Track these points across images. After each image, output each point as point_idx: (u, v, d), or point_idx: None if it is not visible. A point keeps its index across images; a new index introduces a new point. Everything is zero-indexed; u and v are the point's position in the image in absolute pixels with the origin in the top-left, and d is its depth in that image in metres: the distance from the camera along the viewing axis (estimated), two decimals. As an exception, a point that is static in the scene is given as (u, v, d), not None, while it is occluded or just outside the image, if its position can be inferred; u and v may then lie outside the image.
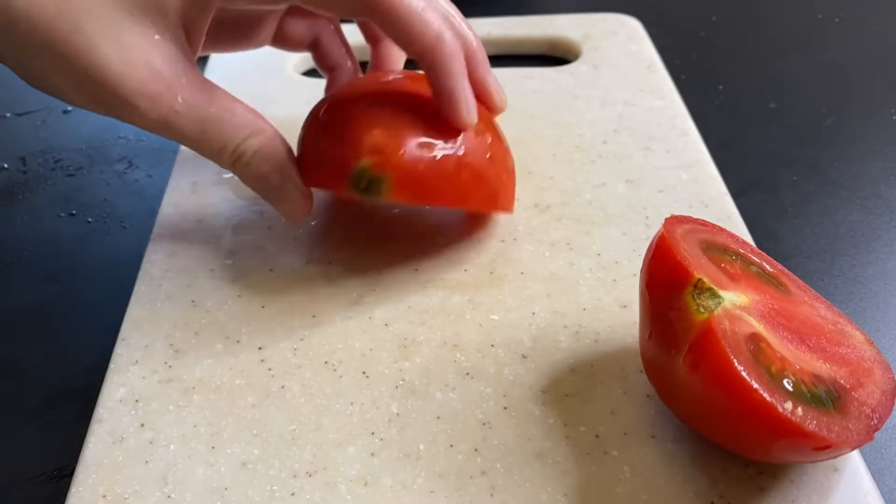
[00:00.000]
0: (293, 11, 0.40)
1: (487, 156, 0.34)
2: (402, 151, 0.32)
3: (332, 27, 0.41)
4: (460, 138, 0.33)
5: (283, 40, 0.40)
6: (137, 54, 0.30)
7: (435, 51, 0.32)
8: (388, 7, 0.31)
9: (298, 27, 0.40)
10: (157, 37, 0.31)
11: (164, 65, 0.30)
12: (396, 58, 0.41)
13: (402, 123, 0.33)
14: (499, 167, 0.35)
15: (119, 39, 0.30)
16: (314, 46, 0.41)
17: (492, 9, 0.56)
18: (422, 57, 0.32)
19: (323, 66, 0.41)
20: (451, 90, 0.33)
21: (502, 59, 0.53)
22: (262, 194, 0.34)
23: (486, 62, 0.36)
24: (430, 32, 0.31)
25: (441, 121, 0.33)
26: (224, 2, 0.32)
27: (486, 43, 0.53)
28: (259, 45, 0.40)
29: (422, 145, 0.33)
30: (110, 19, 0.30)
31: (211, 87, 0.32)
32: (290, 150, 0.34)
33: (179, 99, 0.31)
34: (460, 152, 0.33)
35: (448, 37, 0.32)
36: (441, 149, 0.33)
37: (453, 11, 0.35)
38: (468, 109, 0.33)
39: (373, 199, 0.34)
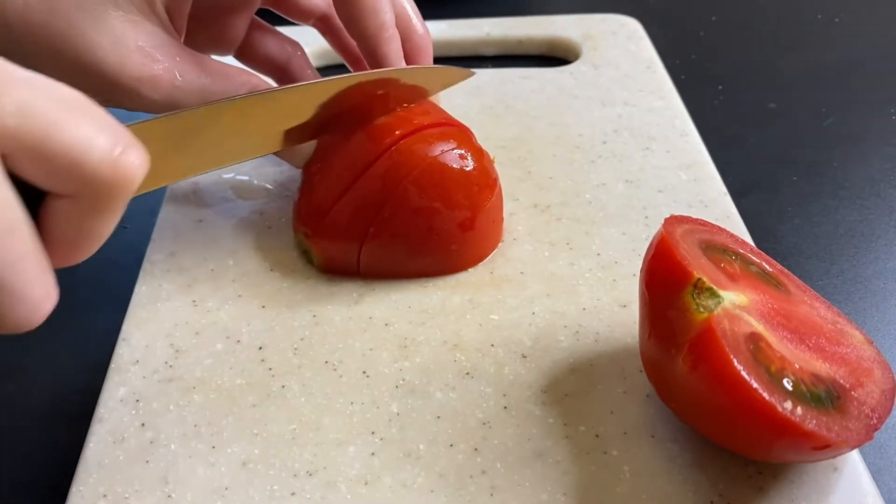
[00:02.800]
0: (262, 28, 0.40)
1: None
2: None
3: (299, 52, 0.41)
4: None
5: (250, 56, 0.40)
6: (129, 41, 0.31)
7: (378, 38, 0.35)
8: None
9: (269, 44, 0.40)
10: (144, 22, 0.32)
11: (157, 47, 0.32)
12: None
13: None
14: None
15: (110, 29, 0.31)
16: (284, 72, 0.40)
17: (492, 9, 0.56)
18: (362, 40, 0.35)
19: (267, 63, 0.41)
20: (386, 55, 0.35)
21: (502, 59, 0.53)
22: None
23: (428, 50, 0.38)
24: (379, 18, 0.34)
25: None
26: None
27: (486, 43, 0.53)
28: (229, 48, 0.40)
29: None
30: (99, 10, 0.31)
31: (203, 58, 0.33)
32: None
33: (178, 76, 0.32)
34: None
35: (392, 29, 0.35)
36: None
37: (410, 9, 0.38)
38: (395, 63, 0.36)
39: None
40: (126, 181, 0.21)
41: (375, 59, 0.35)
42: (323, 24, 0.41)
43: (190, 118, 0.31)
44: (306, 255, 0.36)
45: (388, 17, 0.35)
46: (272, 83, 0.39)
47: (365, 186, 0.34)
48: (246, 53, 0.40)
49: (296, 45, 0.41)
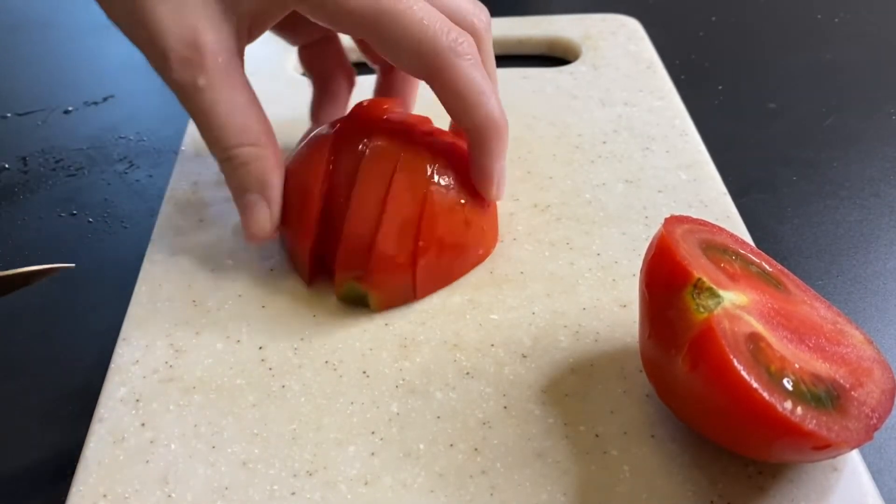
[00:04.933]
0: (333, 41, 0.40)
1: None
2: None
3: (345, 83, 0.40)
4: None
5: (304, 55, 0.40)
6: (190, 17, 0.31)
7: (484, 129, 0.32)
8: (450, 77, 0.31)
9: (326, 58, 0.40)
10: (218, 13, 0.31)
11: (210, 38, 0.31)
12: (409, 91, 0.40)
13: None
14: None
15: (184, 1, 0.31)
16: (323, 87, 0.40)
17: (492, 9, 0.55)
18: (469, 132, 0.33)
19: (314, 71, 0.41)
20: (489, 169, 0.33)
21: (502, 59, 0.53)
22: (234, 200, 0.34)
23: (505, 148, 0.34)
24: (483, 110, 0.32)
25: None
26: (299, 6, 0.32)
27: (486, 43, 0.53)
28: (291, 41, 0.40)
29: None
30: None
31: (241, 81, 0.33)
32: (279, 177, 0.34)
33: (204, 76, 0.31)
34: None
35: (498, 116, 0.32)
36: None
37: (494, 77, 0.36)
38: (498, 188, 0.34)
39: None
40: None
41: (480, 153, 0.33)
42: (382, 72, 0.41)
43: None
44: (358, 302, 0.34)
45: (493, 107, 0.32)
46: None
47: (396, 202, 0.32)
48: (304, 54, 0.40)
49: (349, 74, 0.40)
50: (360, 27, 0.31)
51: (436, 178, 0.33)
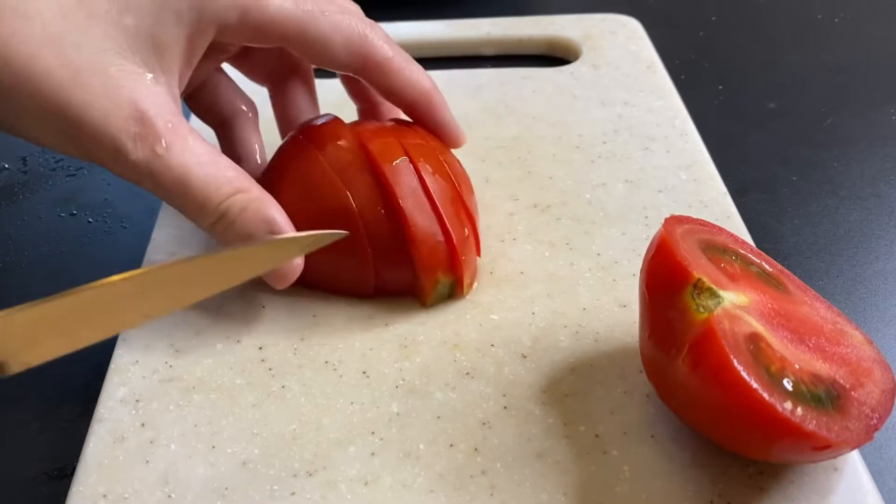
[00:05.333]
0: (220, 76, 0.38)
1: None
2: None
3: (250, 115, 0.38)
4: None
5: (197, 99, 0.38)
6: (124, 92, 0.29)
7: (427, 93, 0.35)
8: (383, 59, 0.34)
9: (219, 94, 0.37)
10: (149, 76, 0.30)
11: (151, 106, 0.29)
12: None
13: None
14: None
15: (107, 75, 0.29)
16: (225, 127, 0.38)
17: (492, 9, 0.56)
18: (415, 103, 0.35)
19: (212, 113, 0.38)
20: (449, 121, 0.36)
21: (502, 59, 0.53)
22: None
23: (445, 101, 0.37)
24: (417, 76, 0.35)
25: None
26: (223, 29, 0.31)
27: (486, 43, 0.53)
28: (183, 89, 0.36)
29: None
30: (98, 55, 0.29)
31: (197, 137, 0.30)
32: (279, 209, 0.31)
33: (163, 143, 0.29)
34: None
35: (428, 78, 0.36)
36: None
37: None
38: (462, 132, 0.37)
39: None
40: None
41: (435, 111, 0.36)
42: (276, 89, 0.39)
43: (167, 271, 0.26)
44: (447, 298, 0.34)
45: (427, 76, 0.35)
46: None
47: (436, 186, 0.33)
48: (194, 96, 0.37)
49: (250, 104, 0.38)
50: (287, 33, 0.32)
51: (437, 152, 0.35)
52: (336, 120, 0.35)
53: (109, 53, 0.29)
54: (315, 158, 0.33)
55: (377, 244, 0.33)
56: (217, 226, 0.31)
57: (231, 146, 0.38)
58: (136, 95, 0.29)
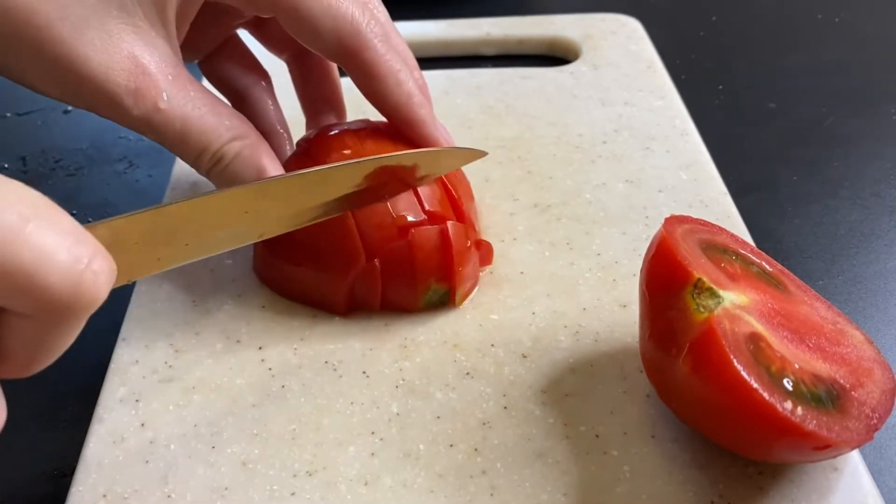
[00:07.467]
0: (235, 45, 0.38)
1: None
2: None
3: (263, 83, 0.38)
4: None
5: (211, 71, 0.38)
6: (124, 46, 0.29)
7: (408, 106, 0.33)
8: (370, 58, 0.32)
9: (233, 65, 0.37)
10: (148, 29, 0.30)
11: (152, 59, 0.29)
12: (327, 82, 0.38)
13: None
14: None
15: (106, 29, 0.29)
16: (240, 98, 0.37)
17: (492, 9, 0.56)
18: (396, 109, 0.33)
19: (224, 81, 0.38)
20: (432, 136, 0.34)
21: (502, 59, 0.53)
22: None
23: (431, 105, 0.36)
24: (405, 88, 0.33)
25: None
26: None
27: (486, 43, 0.53)
28: (194, 54, 0.37)
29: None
30: (99, 7, 0.29)
31: (197, 87, 0.31)
32: (273, 157, 0.32)
33: (164, 96, 0.29)
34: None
35: (418, 92, 0.34)
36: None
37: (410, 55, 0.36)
38: (447, 140, 0.35)
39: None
40: (88, 299, 0.20)
41: (413, 126, 0.34)
42: (294, 63, 0.38)
43: (178, 211, 0.27)
44: (439, 304, 0.34)
45: (412, 86, 0.33)
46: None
47: (424, 191, 0.33)
48: (208, 67, 0.37)
49: (264, 74, 0.38)
50: (277, 5, 0.31)
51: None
52: (326, 133, 0.35)
53: (109, 5, 0.29)
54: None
55: (381, 257, 0.32)
56: (214, 171, 0.31)
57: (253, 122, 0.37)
58: (136, 49, 0.29)
